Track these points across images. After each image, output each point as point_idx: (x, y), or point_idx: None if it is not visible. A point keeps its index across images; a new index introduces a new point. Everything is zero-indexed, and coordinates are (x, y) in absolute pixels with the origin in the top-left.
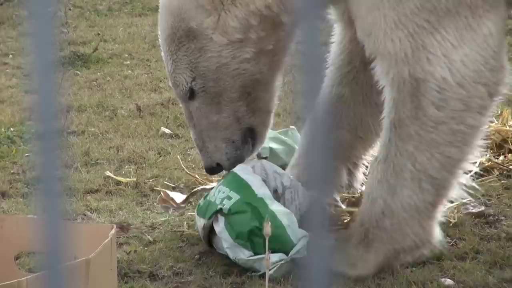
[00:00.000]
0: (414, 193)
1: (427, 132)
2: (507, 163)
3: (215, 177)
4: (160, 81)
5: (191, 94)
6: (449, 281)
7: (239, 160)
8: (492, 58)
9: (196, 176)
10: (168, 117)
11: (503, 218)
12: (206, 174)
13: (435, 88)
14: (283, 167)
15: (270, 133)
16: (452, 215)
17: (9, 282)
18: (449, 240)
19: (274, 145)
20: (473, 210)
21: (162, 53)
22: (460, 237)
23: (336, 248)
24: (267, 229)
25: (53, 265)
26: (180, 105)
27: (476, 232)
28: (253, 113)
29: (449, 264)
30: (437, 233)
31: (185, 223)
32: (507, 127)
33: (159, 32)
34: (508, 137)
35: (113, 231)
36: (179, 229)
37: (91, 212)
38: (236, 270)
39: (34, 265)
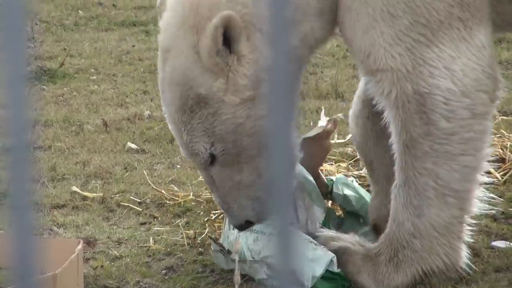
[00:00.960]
0: (441, 210)
1: (441, 145)
2: None
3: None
4: (127, 96)
5: (212, 160)
6: None
7: (267, 212)
8: (488, 66)
9: (163, 191)
10: (134, 132)
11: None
12: (172, 189)
13: (442, 100)
14: (355, 213)
15: (342, 179)
16: None
17: None
18: None
19: (347, 192)
20: None
21: (172, 126)
22: None
23: (364, 262)
24: (237, 246)
25: (21, 280)
26: (198, 171)
27: None
28: None
29: None
30: (465, 256)
31: (151, 238)
32: None
33: (166, 107)
34: None
35: (79, 246)
36: (145, 244)
37: (57, 227)
38: (203, 285)
39: (1, 280)
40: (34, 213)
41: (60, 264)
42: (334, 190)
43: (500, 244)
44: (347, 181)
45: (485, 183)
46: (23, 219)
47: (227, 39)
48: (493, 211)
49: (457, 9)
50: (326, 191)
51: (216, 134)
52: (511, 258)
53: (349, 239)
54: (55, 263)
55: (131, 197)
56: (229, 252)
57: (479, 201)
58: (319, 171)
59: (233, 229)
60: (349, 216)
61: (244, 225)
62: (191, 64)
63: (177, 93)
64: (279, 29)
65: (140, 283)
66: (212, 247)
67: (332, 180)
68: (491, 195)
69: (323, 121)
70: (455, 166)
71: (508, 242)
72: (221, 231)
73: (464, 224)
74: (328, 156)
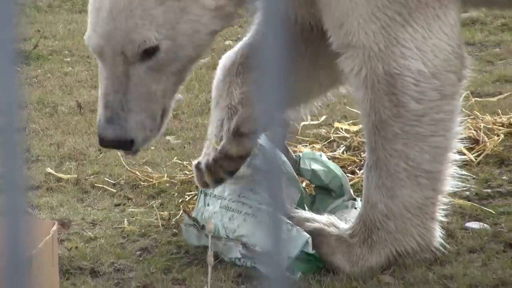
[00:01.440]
0: (414, 191)
1: (412, 127)
2: None
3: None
4: None
5: (148, 55)
6: (389, 278)
7: (148, 141)
8: (457, 46)
9: (137, 172)
10: None
11: None
12: (147, 171)
13: (412, 81)
14: (325, 188)
15: (309, 154)
16: None
17: None
18: None
19: (315, 166)
20: None
21: (115, 5)
22: None
23: (339, 244)
24: (210, 226)
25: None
26: (102, 64)
27: None
28: (173, 92)
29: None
30: (439, 236)
31: (126, 219)
32: None
33: None
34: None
35: (54, 227)
36: (119, 226)
37: (32, 209)
38: (177, 266)
39: None
40: (25, 195)
41: (35, 245)
42: (302, 165)
43: (473, 225)
44: (315, 155)
45: (459, 165)
46: (16, 201)
47: None
48: (467, 193)
49: None
50: (294, 167)
51: (173, 30)
52: (485, 239)
53: (324, 220)
54: (30, 244)
55: (105, 179)
56: (203, 227)
57: (453, 180)
58: (287, 146)
59: (208, 205)
60: (319, 191)
61: (124, 143)
62: None
63: None
64: None
65: (115, 264)
66: (184, 220)
67: (299, 155)
68: (464, 172)
69: None
70: (426, 147)
71: (481, 223)
72: None
73: (437, 204)
74: (301, 138)
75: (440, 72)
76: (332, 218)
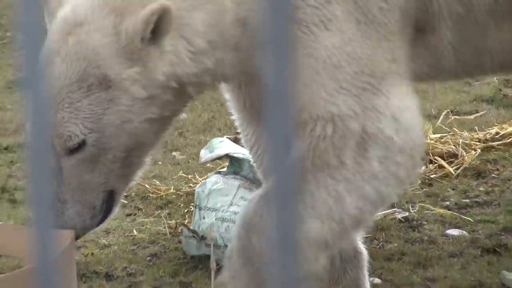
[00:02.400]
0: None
1: (358, 179)
2: (428, 172)
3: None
4: None
5: (76, 149)
6: (377, 280)
7: (91, 229)
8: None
9: (146, 185)
10: None
11: (425, 222)
12: (155, 184)
13: (382, 145)
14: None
15: (221, 140)
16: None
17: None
18: (377, 243)
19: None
20: (398, 216)
21: (45, 100)
22: (387, 240)
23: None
24: (212, 234)
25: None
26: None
27: (401, 236)
28: (123, 176)
29: (377, 265)
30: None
31: (136, 228)
32: (428, 140)
33: (48, 80)
34: (429, 149)
35: (72, 235)
36: (131, 234)
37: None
38: (184, 270)
39: (0, 267)
40: (52, 208)
41: (56, 251)
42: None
43: (453, 232)
44: (230, 142)
45: (440, 177)
46: (43, 214)
47: (156, 29)
48: (447, 203)
49: (394, 65)
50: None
51: (100, 122)
52: (464, 245)
53: None
54: (54, 251)
55: None
56: (202, 238)
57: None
58: None
59: (203, 218)
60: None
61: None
62: (106, 44)
63: (77, 68)
64: None
65: (127, 269)
66: (184, 233)
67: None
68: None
69: None
70: (361, 203)
71: (460, 231)
72: None
73: None
74: None
75: (406, 150)
76: None
